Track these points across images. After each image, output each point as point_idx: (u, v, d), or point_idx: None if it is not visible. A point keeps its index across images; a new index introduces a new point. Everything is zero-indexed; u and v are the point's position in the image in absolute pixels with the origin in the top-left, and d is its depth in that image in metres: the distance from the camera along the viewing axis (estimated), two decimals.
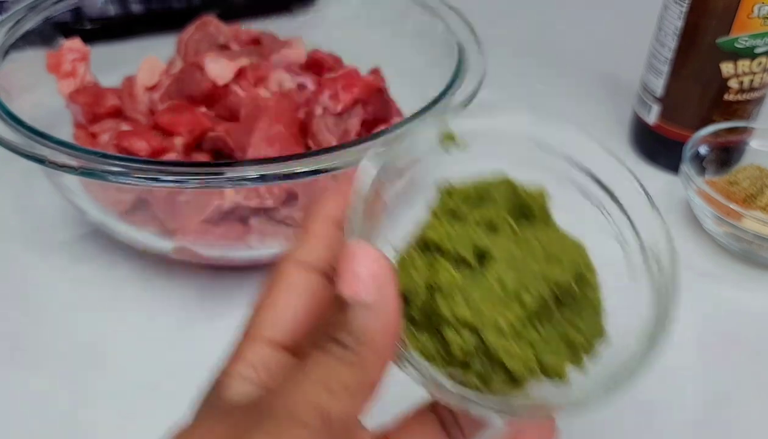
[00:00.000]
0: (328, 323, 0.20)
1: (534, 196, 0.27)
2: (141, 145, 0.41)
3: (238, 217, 0.41)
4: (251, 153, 0.41)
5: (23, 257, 0.45)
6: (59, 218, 0.48)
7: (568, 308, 0.25)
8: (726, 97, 0.50)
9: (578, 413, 0.22)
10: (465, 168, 0.26)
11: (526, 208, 0.27)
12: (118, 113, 0.46)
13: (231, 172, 0.34)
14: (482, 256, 0.24)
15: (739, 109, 0.50)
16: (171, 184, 0.34)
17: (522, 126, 0.27)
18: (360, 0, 0.57)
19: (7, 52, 0.44)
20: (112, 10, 0.54)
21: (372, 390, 0.20)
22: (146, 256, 0.44)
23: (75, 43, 0.47)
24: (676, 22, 0.49)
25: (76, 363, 0.38)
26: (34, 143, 0.36)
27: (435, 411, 0.26)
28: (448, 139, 0.26)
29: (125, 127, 0.44)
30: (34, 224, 0.48)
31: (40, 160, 0.35)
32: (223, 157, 0.44)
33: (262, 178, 0.34)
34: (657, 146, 0.54)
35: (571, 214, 0.27)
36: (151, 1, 0.57)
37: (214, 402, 0.21)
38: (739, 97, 0.50)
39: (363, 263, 0.20)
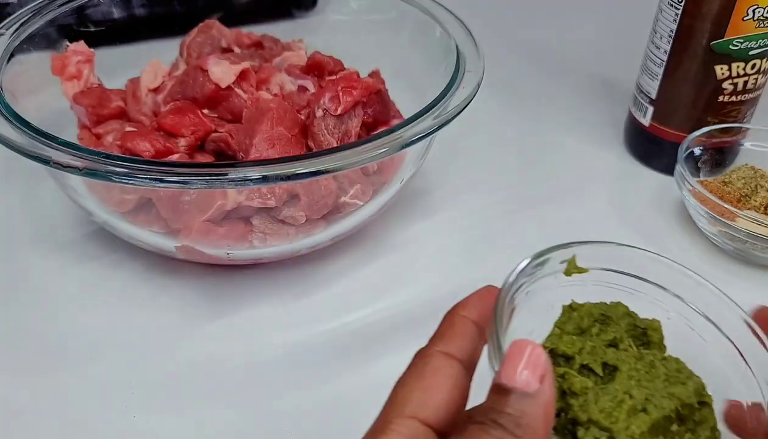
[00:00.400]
0: (489, 408, 0.22)
1: (651, 324, 0.29)
2: (145, 147, 0.42)
3: (241, 217, 0.42)
4: (253, 154, 0.42)
5: (29, 257, 0.46)
6: (64, 218, 0.48)
7: (688, 428, 0.26)
8: (720, 98, 0.50)
9: None
10: (579, 292, 0.30)
11: (644, 335, 0.29)
12: (122, 115, 0.47)
13: (234, 173, 0.34)
14: (607, 368, 0.27)
15: (733, 111, 0.51)
16: (175, 185, 0.34)
17: (639, 260, 0.30)
18: (359, 4, 0.58)
19: (12, 55, 0.45)
20: (116, 13, 0.54)
21: None
22: (150, 255, 0.45)
23: (80, 46, 0.47)
24: (670, 25, 0.49)
25: (81, 361, 0.39)
26: (40, 144, 0.36)
27: None
28: (572, 266, 0.30)
29: (129, 128, 0.45)
30: (39, 223, 0.48)
31: (45, 161, 0.35)
32: (225, 159, 0.45)
33: (265, 179, 0.34)
34: (652, 147, 0.55)
35: (680, 346, 0.29)
36: (154, 5, 0.57)
37: None
38: (734, 98, 0.50)
39: (527, 356, 0.22)
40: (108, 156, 0.35)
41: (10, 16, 0.47)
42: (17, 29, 0.46)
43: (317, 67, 0.50)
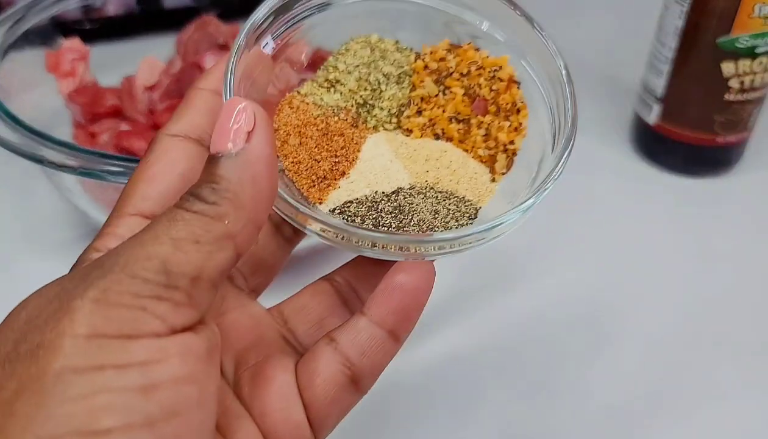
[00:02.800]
0: (194, 184, 0.20)
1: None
2: (140, 145, 0.41)
3: None
4: None
5: (22, 257, 0.45)
6: (59, 218, 0.48)
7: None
8: (726, 97, 0.49)
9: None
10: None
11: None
12: (117, 113, 0.46)
13: None
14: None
15: (740, 109, 0.50)
16: None
17: None
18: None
19: (6, 52, 0.44)
20: (111, 10, 0.54)
21: (231, 244, 0.19)
22: None
23: (74, 43, 0.47)
24: (676, 21, 0.49)
25: None
26: (34, 143, 0.36)
27: (330, 282, 0.27)
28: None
29: (125, 127, 0.44)
30: (33, 223, 0.48)
31: (39, 161, 0.35)
32: None
33: None
34: (658, 146, 0.54)
35: None
36: (150, 1, 0.57)
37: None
38: (740, 96, 0.50)
39: (230, 115, 0.20)
40: (103, 155, 0.35)
41: (4, 12, 0.47)
42: (11, 26, 0.46)
43: (320, 63, 0.49)
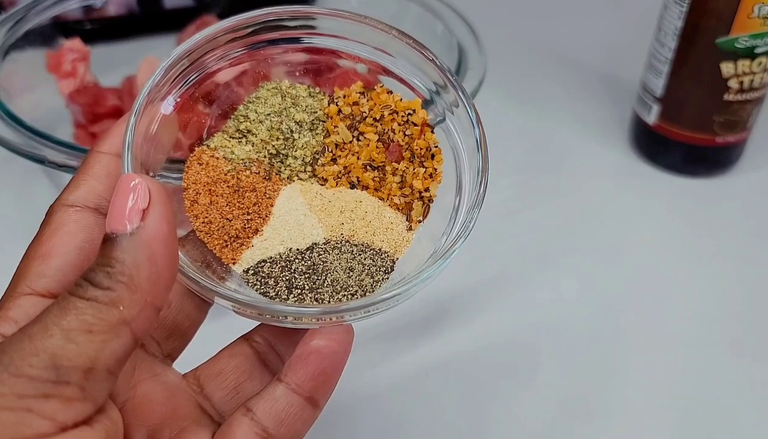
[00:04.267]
0: (89, 268, 0.19)
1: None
2: None
3: None
4: None
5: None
6: None
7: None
8: (726, 97, 0.50)
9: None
10: None
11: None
12: (118, 113, 0.46)
13: None
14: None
15: (739, 109, 0.50)
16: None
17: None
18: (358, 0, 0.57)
19: (7, 52, 0.44)
20: (112, 10, 0.54)
21: (127, 330, 0.18)
22: None
23: (75, 43, 0.47)
24: (675, 22, 0.49)
25: None
26: (35, 143, 0.36)
27: (249, 342, 0.26)
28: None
29: None
30: (34, 224, 0.47)
31: (40, 161, 0.35)
32: None
33: None
34: (657, 146, 0.55)
35: None
36: (151, 2, 0.57)
37: None
38: (739, 97, 0.50)
39: (124, 193, 0.19)
40: None
41: (4, 12, 0.47)
42: (12, 26, 0.46)
43: (315, 64, 0.49)
